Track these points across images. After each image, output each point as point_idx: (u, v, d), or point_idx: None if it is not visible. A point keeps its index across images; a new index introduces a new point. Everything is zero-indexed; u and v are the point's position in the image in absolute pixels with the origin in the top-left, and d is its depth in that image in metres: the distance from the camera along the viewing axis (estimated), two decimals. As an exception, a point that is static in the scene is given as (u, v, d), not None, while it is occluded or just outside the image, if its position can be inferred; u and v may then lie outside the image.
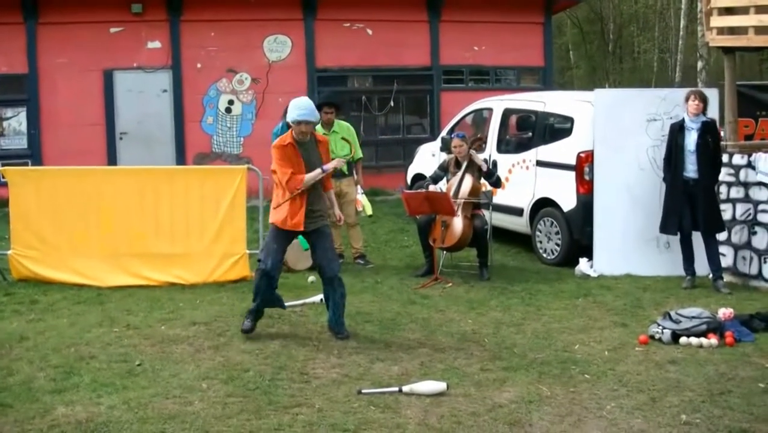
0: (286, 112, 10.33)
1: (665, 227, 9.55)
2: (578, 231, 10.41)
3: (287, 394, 6.09)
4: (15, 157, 16.00)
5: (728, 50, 10.40)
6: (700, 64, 27.14)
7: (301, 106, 7.54)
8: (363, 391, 6.09)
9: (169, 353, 7.11)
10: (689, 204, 9.33)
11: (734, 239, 9.70)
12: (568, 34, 43.98)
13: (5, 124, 16.37)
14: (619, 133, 10.09)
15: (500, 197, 11.43)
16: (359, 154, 10.80)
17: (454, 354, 7.03)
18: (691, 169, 9.36)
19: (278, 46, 17.47)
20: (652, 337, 7.41)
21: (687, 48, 32.99)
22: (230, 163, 16.36)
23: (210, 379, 6.43)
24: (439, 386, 6.09)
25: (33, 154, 16.31)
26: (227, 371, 6.61)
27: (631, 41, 44.36)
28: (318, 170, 7.51)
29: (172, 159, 16.80)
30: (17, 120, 16.41)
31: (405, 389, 6.07)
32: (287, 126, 10.23)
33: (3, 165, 14.57)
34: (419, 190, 10.09)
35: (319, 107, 10.70)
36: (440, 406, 5.83)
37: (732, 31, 10.14)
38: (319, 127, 10.71)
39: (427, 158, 13.45)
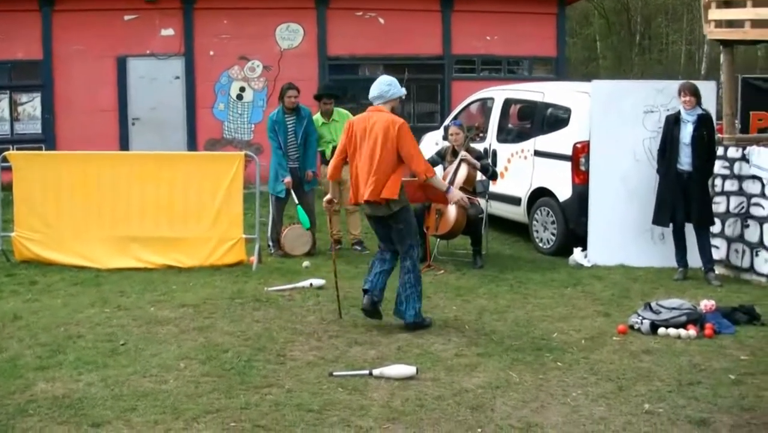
0: (281, 95, 10.57)
1: (658, 219, 9.59)
2: (573, 221, 10.46)
3: (260, 375, 6.22)
4: (29, 142, 16.25)
5: (726, 43, 10.41)
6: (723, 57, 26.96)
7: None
8: (334, 373, 6.21)
9: (154, 334, 7.27)
10: (682, 196, 9.36)
11: (727, 231, 9.72)
12: (595, 24, 43.74)
13: (20, 109, 16.64)
14: (616, 125, 10.12)
15: (499, 186, 11.53)
16: (358, 141, 10.89)
17: (431, 340, 7.13)
18: (685, 162, 9.37)
19: (290, 34, 17.60)
20: (631, 327, 7.47)
21: (713, 40, 32.67)
22: (241, 150, 16.49)
23: (189, 359, 6.58)
24: (409, 370, 6.20)
25: (47, 139, 16.55)
26: (207, 351, 6.76)
27: (659, 33, 44.05)
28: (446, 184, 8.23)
29: (184, 145, 17.00)
30: (32, 105, 16.67)
31: (375, 372, 6.19)
32: (283, 110, 10.47)
33: (17, 149, 14.90)
34: (414, 178, 10.15)
35: (318, 98, 10.89)
36: (407, 389, 5.94)
37: (730, 24, 10.13)
38: (318, 116, 10.89)
39: (431, 147, 13.50)
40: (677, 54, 41.60)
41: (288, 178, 10.36)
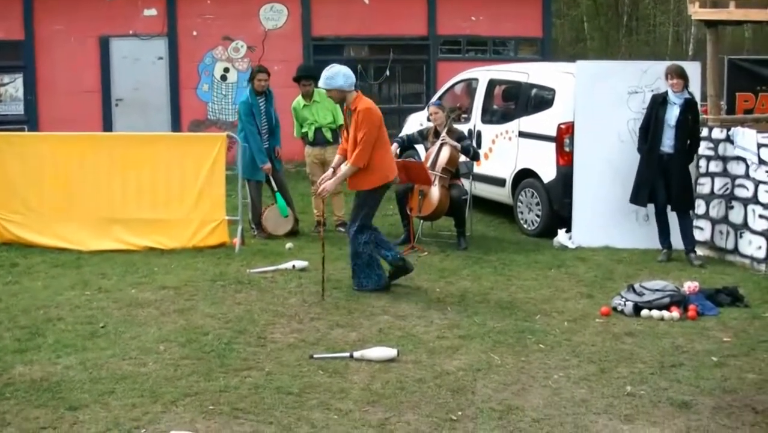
0: (251, 78, 10.53)
1: (636, 198, 9.56)
2: (558, 202, 10.42)
3: (240, 357, 6.18)
4: (12, 123, 16.02)
5: (710, 24, 10.37)
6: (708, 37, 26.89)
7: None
8: (315, 356, 6.17)
9: (135, 316, 7.22)
10: (663, 178, 9.33)
11: (712, 213, 9.69)
12: (582, 5, 43.61)
13: (2, 90, 16.47)
14: (600, 106, 10.04)
15: (484, 168, 11.48)
16: (341, 121, 10.82)
17: (414, 322, 7.10)
18: (668, 144, 9.32)
19: (274, 15, 17.46)
20: (615, 309, 7.45)
21: (698, 20, 32.56)
22: (225, 131, 16.39)
23: (169, 341, 6.54)
24: (390, 352, 6.16)
25: (29, 120, 16.38)
26: (187, 333, 6.71)
27: (646, 14, 43.93)
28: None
29: (168, 126, 16.89)
30: (14, 86, 16.50)
31: (356, 354, 6.15)
32: (253, 92, 10.40)
33: (-1, 131, 14.82)
34: (396, 160, 10.11)
35: (297, 80, 10.80)
36: (388, 372, 5.90)
37: (714, 4, 10.09)
38: (300, 98, 10.81)
39: (416, 128, 13.43)
40: (664, 35, 41.50)
41: (267, 165, 10.31)
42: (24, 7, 16.31)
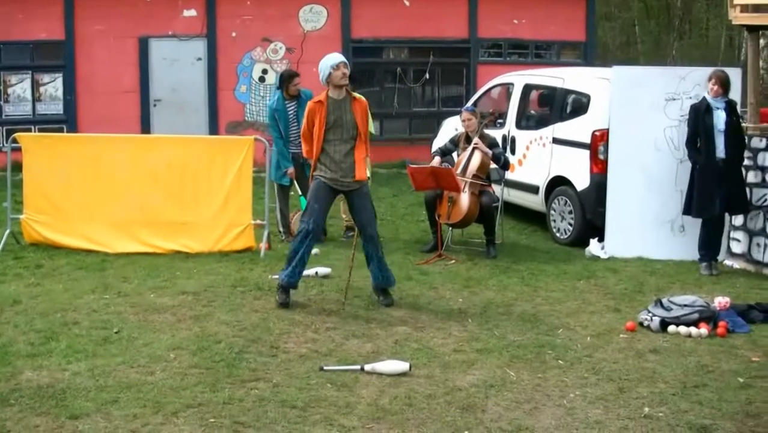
0: (281, 81, 10.39)
1: (702, 210, 9.15)
2: (591, 211, 10.18)
3: (249, 368, 6.06)
4: (51, 123, 16.23)
5: (752, 29, 10.06)
6: (762, 42, 26.32)
7: (335, 55, 7.65)
8: (325, 368, 6.03)
9: (150, 322, 7.13)
10: (719, 186, 9.01)
11: (749, 224, 9.38)
12: (633, 8, 43.07)
13: (42, 89, 16.61)
14: (636, 112, 9.80)
15: (518, 174, 11.27)
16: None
17: (432, 333, 6.92)
18: (721, 149, 9.03)
19: (314, 16, 17.41)
20: (641, 324, 7.21)
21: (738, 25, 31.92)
22: (263, 132, 16.37)
23: (180, 349, 6.43)
24: (402, 366, 5.99)
25: (69, 120, 16.51)
26: (199, 341, 6.60)
27: (699, 18, 43.27)
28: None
29: (205, 127, 16.94)
30: (54, 86, 16.64)
31: (367, 367, 5.99)
32: (283, 98, 10.27)
33: (39, 130, 14.95)
34: (424, 165, 9.95)
35: None
36: (398, 387, 5.73)
37: (756, 8, 9.78)
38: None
39: (451, 132, 13.27)
40: (717, 39, 40.82)
41: (291, 169, 10.23)
42: (65, 8, 16.43)
